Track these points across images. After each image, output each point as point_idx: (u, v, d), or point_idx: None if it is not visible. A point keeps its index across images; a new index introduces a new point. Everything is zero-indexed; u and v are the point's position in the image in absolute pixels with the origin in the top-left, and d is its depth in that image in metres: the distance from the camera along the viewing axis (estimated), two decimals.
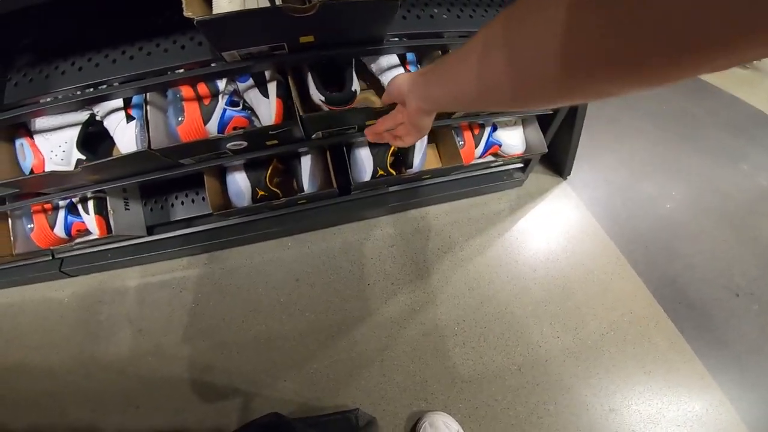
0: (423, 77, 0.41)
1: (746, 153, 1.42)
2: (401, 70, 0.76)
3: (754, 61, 2.23)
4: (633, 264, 1.03)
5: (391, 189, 1.02)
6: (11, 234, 0.89)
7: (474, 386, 0.85)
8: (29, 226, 0.90)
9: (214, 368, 0.87)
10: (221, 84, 0.74)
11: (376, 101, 0.86)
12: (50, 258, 0.96)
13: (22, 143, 0.76)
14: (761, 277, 1.06)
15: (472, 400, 0.84)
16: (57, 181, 0.74)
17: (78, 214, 0.89)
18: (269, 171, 0.87)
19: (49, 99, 0.66)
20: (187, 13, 0.47)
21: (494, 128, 1.01)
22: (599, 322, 0.95)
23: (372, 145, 0.88)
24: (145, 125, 0.68)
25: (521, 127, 1.02)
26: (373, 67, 0.78)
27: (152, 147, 0.67)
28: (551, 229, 1.09)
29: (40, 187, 0.77)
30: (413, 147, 0.89)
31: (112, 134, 0.73)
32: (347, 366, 0.87)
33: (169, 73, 0.65)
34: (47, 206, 0.90)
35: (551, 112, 0.97)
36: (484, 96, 0.31)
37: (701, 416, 0.85)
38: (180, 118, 0.72)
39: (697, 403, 0.87)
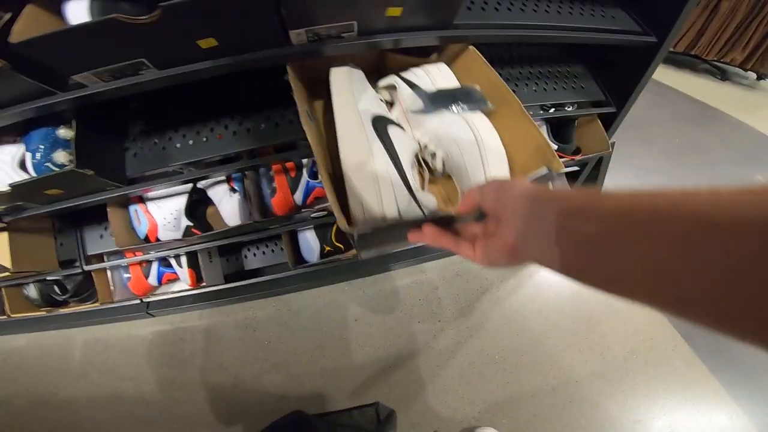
0: (563, 205, 0.29)
1: (756, 180, 1.63)
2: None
3: (760, 81, 2.49)
4: None
5: None
6: (111, 283, 1.11)
7: (515, 405, 1.05)
8: (126, 275, 1.12)
9: (289, 397, 1.07)
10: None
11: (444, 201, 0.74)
12: (139, 301, 1.17)
13: (136, 209, 0.97)
14: None
15: (514, 416, 1.04)
16: (172, 243, 0.95)
17: (170, 266, 1.11)
18: (333, 230, 1.09)
19: (165, 170, 0.83)
20: None
21: None
22: (622, 348, 1.15)
23: None
24: (248, 199, 0.91)
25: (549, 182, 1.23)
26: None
27: (256, 219, 0.89)
28: None
29: (155, 249, 0.99)
30: None
31: (217, 204, 0.95)
32: (405, 392, 1.07)
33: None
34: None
35: (579, 168, 1.18)
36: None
37: (718, 425, 1.03)
38: (272, 190, 0.94)
39: (714, 413, 1.05)
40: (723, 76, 2.56)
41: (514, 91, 0.96)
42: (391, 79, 0.77)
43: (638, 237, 0.23)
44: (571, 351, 1.14)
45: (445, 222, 0.45)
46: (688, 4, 0.78)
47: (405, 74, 0.77)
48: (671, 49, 2.49)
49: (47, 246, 1.02)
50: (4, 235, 0.93)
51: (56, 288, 1.07)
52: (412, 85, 0.74)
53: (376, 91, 0.79)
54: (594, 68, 1.09)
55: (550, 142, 1.07)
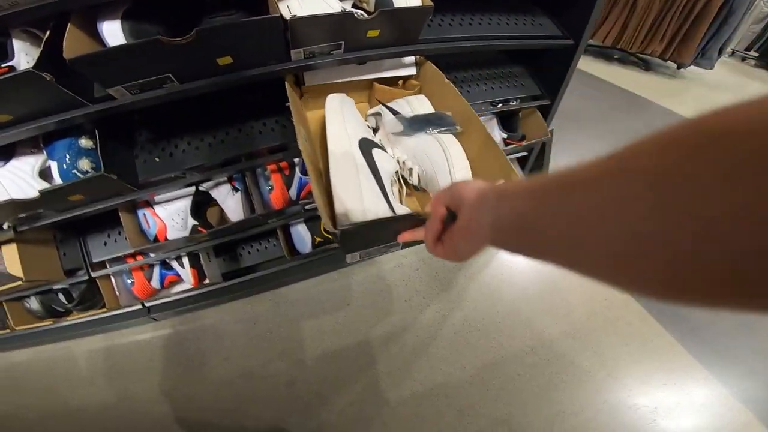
0: (500, 191, 0.36)
1: None
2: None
3: (681, 69, 2.88)
4: None
5: None
6: (116, 290, 1.20)
7: (501, 366, 1.23)
8: (129, 281, 1.21)
9: (296, 381, 1.19)
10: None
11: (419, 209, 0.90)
12: (141, 306, 1.26)
13: (144, 213, 1.08)
14: None
15: (502, 377, 1.21)
16: (180, 243, 1.07)
17: (171, 268, 1.22)
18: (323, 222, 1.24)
19: (174, 175, 0.96)
20: None
21: None
22: (584, 309, 1.36)
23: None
24: (249, 196, 1.05)
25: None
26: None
27: (260, 213, 1.03)
28: None
29: (164, 250, 1.10)
30: None
31: (221, 203, 1.08)
32: (402, 364, 1.22)
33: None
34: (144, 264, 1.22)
35: (527, 153, 1.40)
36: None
37: (680, 374, 1.22)
38: (270, 187, 1.08)
39: (673, 364, 1.25)
40: (646, 66, 2.98)
41: (468, 92, 1.19)
42: (378, 108, 0.94)
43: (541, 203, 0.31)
44: (541, 315, 1.34)
45: (418, 223, 0.57)
46: (593, 13, 1.01)
47: (389, 104, 0.94)
48: (601, 44, 2.87)
49: (52, 256, 1.11)
50: (14, 247, 1.02)
51: (62, 296, 1.15)
52: (394, 112, 0.90)
53: (365, 119, 0.95)
54: (530, 68, 1.33)
55: (501, 133, 1.28)
